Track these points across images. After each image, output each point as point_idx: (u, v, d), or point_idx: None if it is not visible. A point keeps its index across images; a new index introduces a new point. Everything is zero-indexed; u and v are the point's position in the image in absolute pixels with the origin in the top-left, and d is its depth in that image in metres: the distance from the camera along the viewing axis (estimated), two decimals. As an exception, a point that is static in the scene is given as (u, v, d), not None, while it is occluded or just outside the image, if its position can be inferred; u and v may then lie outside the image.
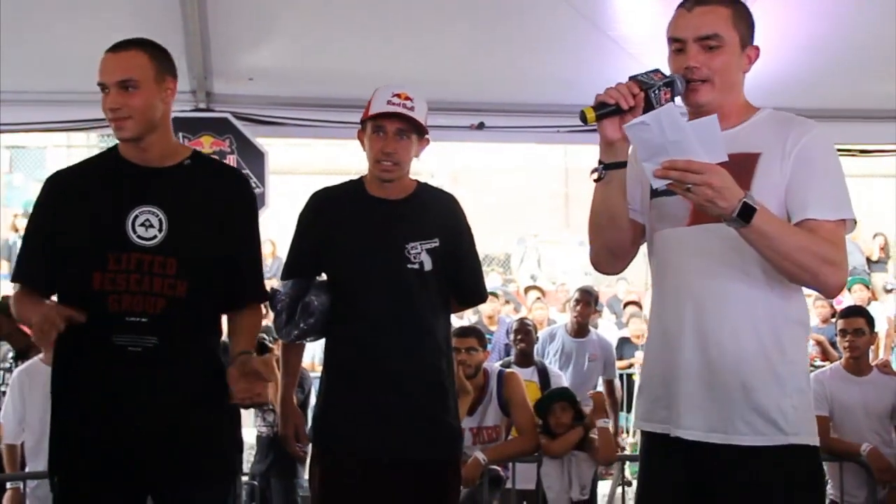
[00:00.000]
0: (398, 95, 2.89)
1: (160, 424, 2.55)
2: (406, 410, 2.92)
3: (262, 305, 2.87)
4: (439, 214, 3.03)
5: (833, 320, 5.49)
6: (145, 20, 3.72)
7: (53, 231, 2.61)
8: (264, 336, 5.03)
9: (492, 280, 12.44)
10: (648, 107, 2.13)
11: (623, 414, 8.68)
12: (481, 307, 8.19)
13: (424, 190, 3.09)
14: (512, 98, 4.89)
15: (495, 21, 4.11)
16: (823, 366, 5.11)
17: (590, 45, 4.18)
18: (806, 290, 2.28)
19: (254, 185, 4.45)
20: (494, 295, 9.17)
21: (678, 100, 2.23)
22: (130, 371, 2.53)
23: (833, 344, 6.37)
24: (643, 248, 2.45)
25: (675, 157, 2.01)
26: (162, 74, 2.60)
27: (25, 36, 4.07)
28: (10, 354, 5.34)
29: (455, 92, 4.72)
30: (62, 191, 2.66)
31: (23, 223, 12.66)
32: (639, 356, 9.08)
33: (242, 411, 2.82)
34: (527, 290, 11.65)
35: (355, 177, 3.11)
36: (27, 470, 4.72)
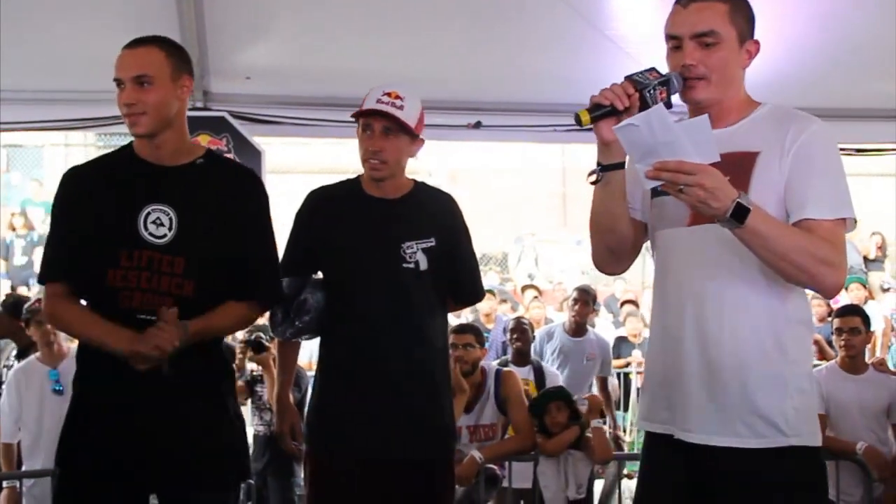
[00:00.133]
0: (388, 94, 2.89)
1: (166, 425, 2.54)
2: (400, 409, 2.92)
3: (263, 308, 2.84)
4: (436, 214, 3.03)
5: (829, 319, 5.49)
6: (142, 19, 3.71)
7: (70, 228, 2.61)
8: (261, 335, 5.04)
9: (489, 279, 12.44)
10: (644, 107, 2.11)
11: (619, 413, 8.69)
12: (478, 305, 8.21)
13: (421, 189, 3.08)
14: (509, 97, 4.89)
15: (493, 20, 4.11)
16: (820, 364, 5.11)
17: (587, 44, 4.19)
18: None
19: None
20: (491, 293, 9.17)
21: (676, 97, 2.21)
22: (135, 370, 2.51)
23: (830, 343, 6.38)
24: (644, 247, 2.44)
25: (666, 159, 1.99)
26: (178, 72, 2.60)
27: (23, 35, 4.07)
28: (14, 353, 5.34)
29: (452, 91, 4.73)
30: (78, 187, 2.65)
31: (20, 222, 12.66)
32: (636, 355, 9.09)
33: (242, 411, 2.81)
34: (524, 288, 11.64)
35: (353, 176, 3.11)
36: (23, 469, 4.72)
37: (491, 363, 5.05)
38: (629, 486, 5.97)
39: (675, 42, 2.22)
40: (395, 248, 2.93)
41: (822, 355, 7.46)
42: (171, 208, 2.57)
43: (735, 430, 2.17)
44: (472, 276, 3.16)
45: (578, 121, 2.13)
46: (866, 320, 4.88)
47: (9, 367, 5.22)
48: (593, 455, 4.57)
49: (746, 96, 2.29)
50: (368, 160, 2.92)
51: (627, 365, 9.07)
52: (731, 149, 2.17)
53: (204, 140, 4.69)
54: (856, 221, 2.18)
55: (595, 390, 6.51)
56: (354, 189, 3.04)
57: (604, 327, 9.97)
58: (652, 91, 2.13)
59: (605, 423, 5.28)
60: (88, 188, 2.63)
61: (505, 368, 4.96)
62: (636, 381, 8.87)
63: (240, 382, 5.15)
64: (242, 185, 2.73)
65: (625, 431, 8.64)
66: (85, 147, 14.84)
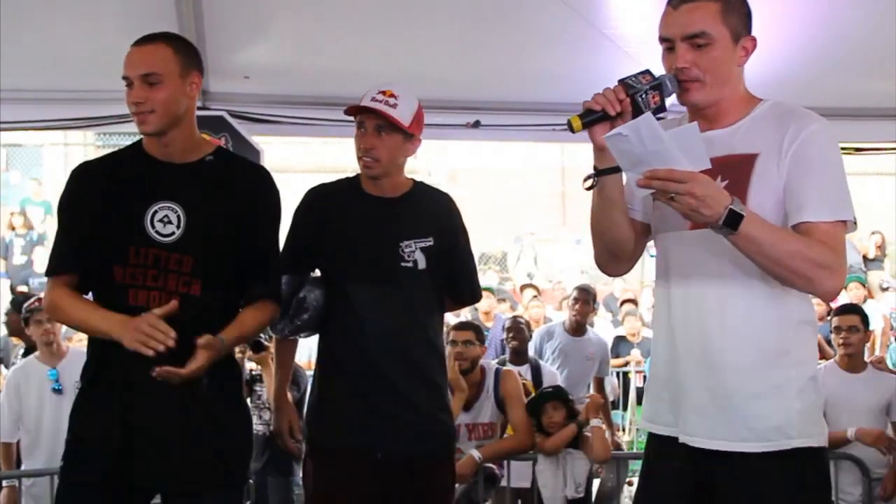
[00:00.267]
0: (383, 93, 2.89)
1: (171, 425, 2.53)
2: (399, 408, 2.92)
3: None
4: (434, 213, 3.03)
5: (828, 318, 5.50)
6: (142, 19, 3.71)
7: (80, 223, 2.60)
8: (260, 334, 5.03)
9: (488, 278, 12.44)
10: (637, 111, 2.09)
11: (619, 412, 8.69)
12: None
13: (420, 189, 3.09)
14: (508, 96, 4.89)
15: (491, 19, 4.11)
16: (819, 363, 5.11)
17: (586, 44, 4.18)
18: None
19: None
20: (490, 291, 9.17)
21: (674, 97, 2.19)
22: (143, 369, 2.52)
23: (829, 341, 6.38)
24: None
25: (656, 167, 1.96)
26: (187, 69, 2.58)
27: (23, 35, 4.07)
28: (21, 351, 5.34)
29: (451, 90, 4.73)
30: (87, 183, 2.64)
31: (19, 221, 12.67)
32: (635, 354, 9.10)
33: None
34: (523, 288, 11.64)
35: (351, 174, 3.12)
36: (23, 468, 4.72)
37: (490, 362, 5.05)
38: (629, 489, 5.98)
39: (667, 44, 2.19)
40: (393, 247, 2.93)
41: (822, 354, 7.45)
42: (179, 206, 2.56)
43: (739, 435, 2.16)
44: (470, 276, 3.17)
45: (571, 127, 2.12)
46: (865, 319, 4.89)
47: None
48: (592, 454, 4.58)
49: (746, 93, 2.25)
50: (361, 158, 2.93)
51: (626, 364, 9.08)
52: (731, 151, 2.16)
53: (203, 139, 4.68)
54: (855, 223, 2.14)
55: (592, 391, 6.52)
56: (353, 187, 3.04)
57: (603, 326, 9.97)
58: (644, 95, 2.11)
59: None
60: (97, 185, 2.62)
61: (504, 367, 4.97)
62: (635, 381, 8.88)
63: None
64: (253, 183, 2.71)
65: (624, 431, 8.64)
66: (84, 146, 14.85)
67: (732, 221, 1.98)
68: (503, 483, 4.67)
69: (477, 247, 3.19)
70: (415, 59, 4.39)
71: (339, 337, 2.99)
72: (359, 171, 3.05)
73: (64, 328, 5.06)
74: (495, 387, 4.68)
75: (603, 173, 2.19)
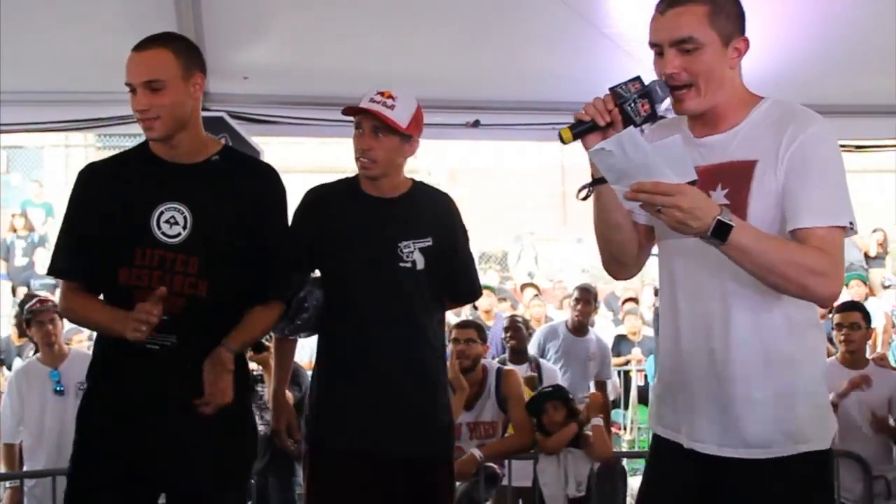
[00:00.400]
0: (381, 94, 2.90)
1: (177, 424, 2.54)
2: (398, 407, 2.93)
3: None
4: (434, 213, 3.04)
5: (829, 315, 5.51)
6: (140, 19, 3.71)
7: (85, 224, 2.60)
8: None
9: (489, 278, 12.44)
10: (627, 120, 2.08)
11: (620, 411, 8.69)
12: (477, 301, 8.23)
13: (419, 189, 3.09)
14: (508, 96, 4.88)
15: (490, 19, 4.11)
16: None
17: (585, 43, 4.18)
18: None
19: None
20: (491, 289, 9.17)
21: (668, 102, 2.17)
22: (148, 369, 2.52)
23: (830, 339, 6.38)
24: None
25: (642, 180, 1.95)
26: (189, 71, 2.57)
27: (23, 36, 4.07)
28: (31, 352, 5.35)
29: (450, 90, 4.72)
30: (93, 184, 2.65)
31: (20, 223, 12.68)
32: (636, 353, 9.10)
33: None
34: (524, 287, 11.63)
35: (351, 175, 3.12)
36: (25, 469, 4.73)
37: (492, 361, 5.06)
38: (632, 486, 5.97)
39: (657, 49, 2.16)
40: (392, 247, 2.93)
41: (823, 352, 7.45)
42: (186, 207, 2.56)
43: (745, 441, 2.16)
44: (470, 275, 3.17)
45: (562, 139, 2.10)
46: (866, 316, 4.90)
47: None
48: (593, 452, 4.58)
49: (745, 93, 2.22)
50: (359, 158, 2.94)
51: (627, 363, 9.08)
52: (730, 158, 2.15)
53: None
54: (854, 227, 2.09)
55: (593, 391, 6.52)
56: (353, 188, 3.05)
57: (604, 325, 9.97)
58: (633, 104, 2.09)
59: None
60: (104, 186, 2.63)
61: (506, 367, 4.97)
62: (636, 379, 8.88)
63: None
64: (259, 182, 2.71)
65: (625, 429, 8.65)
66: (85, 148, 14.85)
67: (721, 232, 1.95)
68: (504, 482, 4.68)
69: (477, 246, 3.20)
70: (415, 59, 4.39)
71: (338, 337, 2.99)
72: (357, 172, 3.06)
73: (65, 329, 5.08)
74: (497, 386, 4.69)
75: (599, 182, 2.16)
